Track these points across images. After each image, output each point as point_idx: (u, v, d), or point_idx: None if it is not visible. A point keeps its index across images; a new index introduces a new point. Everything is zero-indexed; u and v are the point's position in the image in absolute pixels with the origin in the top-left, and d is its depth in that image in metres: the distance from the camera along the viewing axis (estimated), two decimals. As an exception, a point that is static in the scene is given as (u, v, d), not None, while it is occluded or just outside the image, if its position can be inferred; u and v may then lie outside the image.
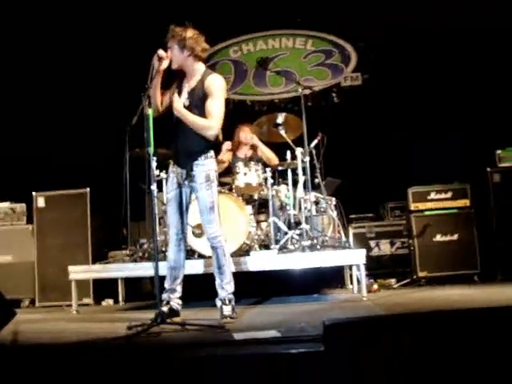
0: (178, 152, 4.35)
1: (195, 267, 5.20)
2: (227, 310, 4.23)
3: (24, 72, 7.52)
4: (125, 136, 5.69)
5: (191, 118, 4.22)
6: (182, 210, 4.36)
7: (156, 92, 4.26)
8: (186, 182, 4.29)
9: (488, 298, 4.93)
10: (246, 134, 6.35)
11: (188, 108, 4.26)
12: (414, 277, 6.47)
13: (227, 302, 4.26)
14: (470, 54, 7.21)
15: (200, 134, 4.24)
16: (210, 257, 4.66)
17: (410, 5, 7.31)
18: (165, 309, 4.13)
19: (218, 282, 4.32)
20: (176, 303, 4.37)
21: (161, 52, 4.16)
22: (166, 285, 4.35)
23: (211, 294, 4.39)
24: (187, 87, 4.33)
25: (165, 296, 4.32)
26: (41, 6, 7.30)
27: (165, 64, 4.18)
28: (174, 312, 4.29)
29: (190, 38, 4.21)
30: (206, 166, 4.27)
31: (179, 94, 4.34)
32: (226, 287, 4.29)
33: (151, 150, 3.99)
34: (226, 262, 4.33)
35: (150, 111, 4.01)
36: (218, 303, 4.30)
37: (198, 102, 4.26)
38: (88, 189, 6.44)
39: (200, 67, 4.33)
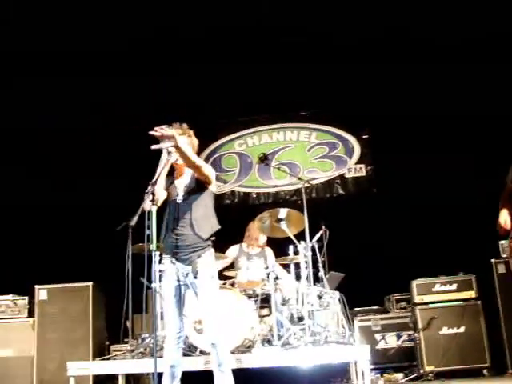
0: (177, 247, 4.21)
1: (196, 364, 5.06)
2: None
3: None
4: (127, 231, 5.76)
5: (189, 153, 4.12)
6: (181, 308, 4.28)
7: (162, 184, 4.22)
8: (188, 280, 4.23)
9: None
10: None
11: (183, 203, 4.24)
12: (421, 371, 6.31)
13: (229, 401, 4.14)
14: (470, 143, 7.32)
15: (201, 228, 4.21)
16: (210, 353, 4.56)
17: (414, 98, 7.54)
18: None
19: (218, 379, 4.22)
20: (176, 403, 4.25)
21: (171, 145, 4.11)
22: (166, 385, 4.24)
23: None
24: (180, 183, 4.35)
25: (164, 397, 4.20)
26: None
27: (173, 157, 4.16)
28: (173, 413, 4.17)
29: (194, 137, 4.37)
30: (209, 263, 4.23)
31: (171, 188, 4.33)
32: (227, 386, 4.18)
33: (154, 246, 3.96)
34: (227, 359, 4.23)
35: (153, 208, 4.01)
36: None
37: (193, 196, 4.26)
38: (91, 283, 6.41)
39: None
